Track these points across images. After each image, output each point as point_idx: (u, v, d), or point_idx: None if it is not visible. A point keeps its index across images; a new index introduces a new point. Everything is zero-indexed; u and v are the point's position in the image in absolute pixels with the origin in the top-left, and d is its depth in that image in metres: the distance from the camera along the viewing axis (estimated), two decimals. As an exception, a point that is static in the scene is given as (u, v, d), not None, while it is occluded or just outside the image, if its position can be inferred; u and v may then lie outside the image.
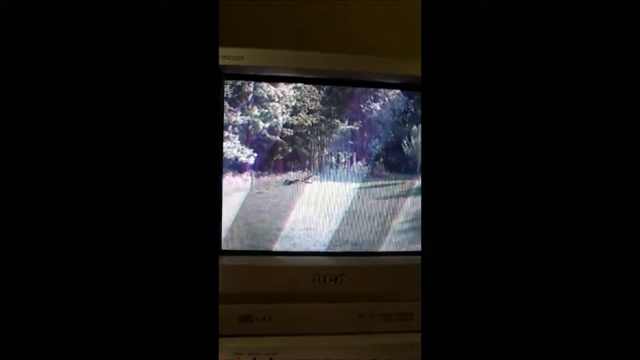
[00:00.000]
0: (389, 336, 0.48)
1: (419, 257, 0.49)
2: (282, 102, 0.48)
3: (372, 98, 0.49)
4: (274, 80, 0.47)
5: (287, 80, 0.48)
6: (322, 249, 0.49)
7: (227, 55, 0.44)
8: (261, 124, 0.48)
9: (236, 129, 0.47)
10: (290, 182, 0.48)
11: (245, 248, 0.48)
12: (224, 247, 0.48)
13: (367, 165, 0.49)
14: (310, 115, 0.48)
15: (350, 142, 0.49)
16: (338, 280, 0.47)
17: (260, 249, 0.49)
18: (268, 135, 0.48)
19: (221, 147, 0.47)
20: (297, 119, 0.48)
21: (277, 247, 0.49)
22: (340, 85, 0.48)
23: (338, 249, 0.49)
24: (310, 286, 0.47)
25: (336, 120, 0.48)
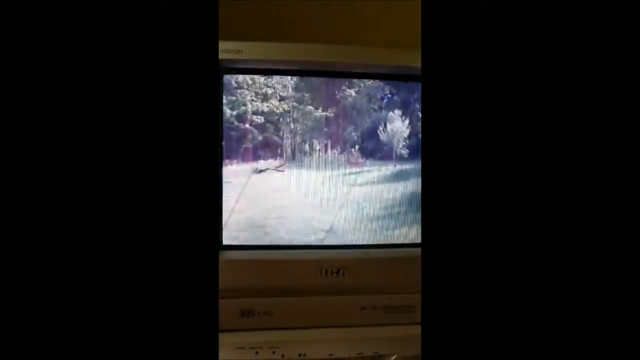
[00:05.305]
0: (391, 328, 0.48)
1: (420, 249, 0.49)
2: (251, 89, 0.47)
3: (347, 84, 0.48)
4: (273, 73, 0.47)
5: (287, 73, 0.47)
6: (323, 241, 0.49)
7: (225, 49, 0.44)
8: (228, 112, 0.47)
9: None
10: (261, 171, 0.47)
11: (246, 242, 0.48)
12: (224, 242, 0.48)
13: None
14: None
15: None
16: (340, 272, 0.47)
17: (261, 242, 0.48)
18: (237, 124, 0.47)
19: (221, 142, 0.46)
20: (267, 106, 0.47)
21: (277, 240, 0.49)
22: (340, 77, 0.48)
23: (339, 242, 0.49)
24: (312, 279, 0.47)
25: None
